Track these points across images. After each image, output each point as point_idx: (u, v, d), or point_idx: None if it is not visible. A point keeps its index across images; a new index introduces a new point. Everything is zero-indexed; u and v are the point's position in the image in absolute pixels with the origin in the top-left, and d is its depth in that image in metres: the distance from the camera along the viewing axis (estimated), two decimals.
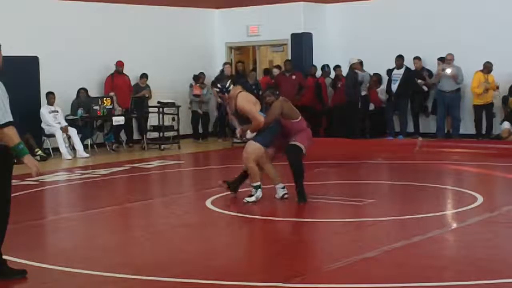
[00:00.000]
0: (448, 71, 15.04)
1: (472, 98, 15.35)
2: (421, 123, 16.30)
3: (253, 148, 8.70)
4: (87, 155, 14.24)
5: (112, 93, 15.43)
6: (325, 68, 16.82)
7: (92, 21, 15.96)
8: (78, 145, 14.30)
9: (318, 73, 17.12)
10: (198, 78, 16.90)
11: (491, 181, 11.00)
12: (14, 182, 9.80)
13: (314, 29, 17.44)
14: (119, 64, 15.85)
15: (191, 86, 16.88)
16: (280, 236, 7.24)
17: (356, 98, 15.85)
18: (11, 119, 5.47)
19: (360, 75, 15.90)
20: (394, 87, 15.76)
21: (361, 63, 15.99)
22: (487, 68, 14.88)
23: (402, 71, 15.74)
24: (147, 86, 16.30)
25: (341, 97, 16.18)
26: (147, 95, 16.24)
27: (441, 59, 15.58)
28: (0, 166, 5.59)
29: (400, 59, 15.76)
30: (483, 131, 15.22)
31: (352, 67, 15.78)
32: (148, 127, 16.23)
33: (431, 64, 15.93)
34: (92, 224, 8.16)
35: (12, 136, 5.46)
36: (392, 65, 15.90)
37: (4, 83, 5.68)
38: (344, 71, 16.26)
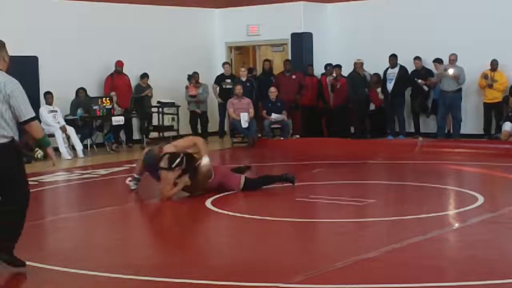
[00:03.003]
0: (451, 71, 15.03)
1: (475, 97, 15.42)
2: (422, 123, 16.30)
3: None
4: (82, 155, 14.21)
5: (113, 93, 15.42)
6: (327, 67, 16.82)
7: (92, 21, 15.95)
8: (78, 145, 14.29)
9: (317, 72, 17.10)
10: (192, 78, 16.81)
11: (492, 181, 10.99)
12: None
13: (314, 29, 17.44)
14: (119, 64, 15.85)
15: (186, 87, 16.83)
16: (280, 236, 7.23)
17: (356, 98, 15.89)
18: (34, 114, 5.91)
19: (367, 74, 15.99)
20: (390, 86, 15.78)
21: (361, 63, 16.04)
22: (492, 65, 14.94)
23: (396, 70, 15.75)
24: (149, 85, 16.30)
25: (341, 98, 16.20)
26: (149, 95, 16.24)
27: (438, 61, 15.58)
28: (15, 160, 5.82)
29: (393, 58, 15.75)
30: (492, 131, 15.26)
31: (354, 68, 15.89)
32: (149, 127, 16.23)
33: (431, 64, 15.92)
34: (92, 224, 8.14)
35: (38, 129, 6.00)
36: None
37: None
38: (347, 71, 16.27)
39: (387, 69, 15.92)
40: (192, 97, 16.69)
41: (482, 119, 15.47)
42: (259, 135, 16.11)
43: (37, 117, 6.01)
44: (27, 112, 5.79)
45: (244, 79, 16.65)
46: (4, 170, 5.72)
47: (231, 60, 18.59)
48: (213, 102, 17.41)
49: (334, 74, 16.48)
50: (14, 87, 5.74)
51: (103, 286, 5.57)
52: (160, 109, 15.80)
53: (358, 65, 16.02)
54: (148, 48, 16.94)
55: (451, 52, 15.21)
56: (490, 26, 15.36)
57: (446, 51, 15.32)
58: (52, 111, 14.45)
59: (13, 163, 5.79)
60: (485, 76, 15.08)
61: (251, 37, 18.16)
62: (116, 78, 15.86)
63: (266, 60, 17.80)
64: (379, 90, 16.44)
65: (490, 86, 14.99)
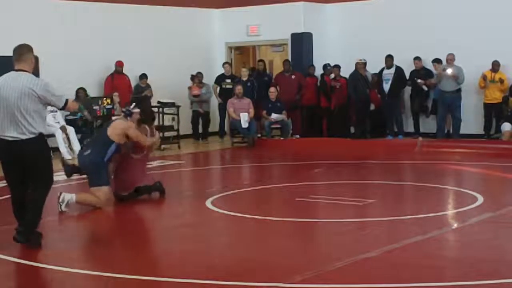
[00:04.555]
0: (449, 71, 15.05)
1: (475, 97, 15.46)
2: (421, 123, 16.30)
3: (104, 194, 8.48)
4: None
5: (116, 94, 15.38)
6: (327, 67, 16.82)
7: (92, 21, 15.96)
8: (76, 145, 14.28)
9: (317, 72, 17.10)
10: (195, 78, 16.81)
11: (491, 181, 10.99)
12: None
13: (314, 29, 17.44)
14: (119, 64, 15.86)
15: (189, 87, 16.82)
16: (280, 236, 7.23)
17: (357, 98, 15.90)
18: (65, 98, 6.60)
19: (369, 75, 16.00)
20: (386, 87, 15.78)
21: (364, 63, 16.02)
22: (493, 66, 14.98)
23: (392, 70, 15.76)
24: (148, 86, 16.30)
25: (341, 98, 16.20)
26: (149, 95, 16.24)
27: (437, 61, 15.59)
28: (45, 152, 6.54)
29: (389, 58, 15.77)
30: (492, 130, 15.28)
31: (356, 68, 15.93)
32: None
33: (431, 64, 15.92)
34: (92, 224, 8.15)
35: (74, 106, 7.10)
36: None
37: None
38: (347, 71, 16.30)
39: (382, 69, 15.93)
40: (195, 97, 16.68)
41: (481, 119, 15.48)
42: (259, 135, 16.12)
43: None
44: (59, 100, 6.50)
45: (245, 79, 16.66)
46: (32, 161, 6.40)
47: (231, 60, 18.59)
48: (213, 102, 17.40)
49: (333, 75, 16.48)
50: (41, 86, 6.36)
51: (103, 286, 5.57)
52: (160, 109, 15.79)
53: (360, 65, 16.01)
54: (148, 48, 16.95)
55: (451, 52, 15.22)
56: (490, 26, 15.36)
57: (446, 51, 15.33)
58: (52, 111, 14.43)
59: (40, 155, 6.46)
60: (484, 77, 15.10)
61: (251, 37, 18.16)
62: (116, 78, 15.88)
63: (260, 60, 17.83)
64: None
65: (502, 81, 14.93)
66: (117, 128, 8.63)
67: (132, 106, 8.92)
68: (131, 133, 8.61)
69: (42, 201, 6.55)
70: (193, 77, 16.80)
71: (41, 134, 6.44)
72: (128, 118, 8.77)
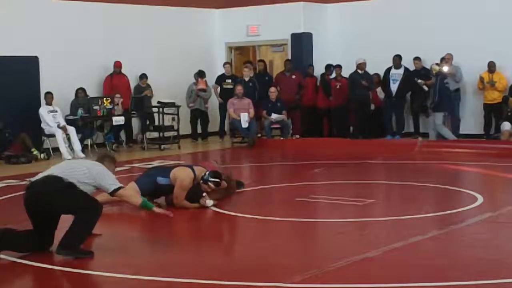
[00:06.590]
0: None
1: (474, 97, 15.48)
2: (421, 123, 16.30)
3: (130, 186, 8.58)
4: (83, 155, 14.21)
5: (118, 95, 15.38)
6: (330, 67, 16.80)
7: (92, 21, 15.96)
8: (76, 145, 14.28)
9: (317, 72, 17.09)
10: (203, 74, 16.77)
11: (491, 181, 11.00)
12: (13, 182, 9.78)
13: (314, 29, 17.45)
14: (117, 65, 15.85)
15: (195, 82, 16.75)
16: (280, 236, 7.24)
17: (356, 98, 15.90)
18: (121, 185, 6.39)
19: (366, 75, 16.00)
20: (394, 87, 15.78)
21: (365, 64, 16.02)
22: (489, 67, 14.98)
23: (401, 71, 15.77)
24: (148, 85, 16.31)
25: (341, 98, 16.19)
26: (149, 95, 16.24)
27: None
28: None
29: (397, 58, 15.78)
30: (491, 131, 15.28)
31: (357, 68, 15.93)
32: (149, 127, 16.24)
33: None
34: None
35: (132, 197, 6.66)
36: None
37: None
38: (347, 71, 16.29)
39: (389, 69, 15.92)
40: (202, 91, 16.61)
41: (481, 119, 15.49)
42: (259, 135, 16.13)
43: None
44: (112, 182, 6.39)
45: (247, 79, 16.65)
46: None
47: (231, 60, 18.60)
48: (213, 102, 17.41)
49: (334, 74, 16.49)
50: (98, 169, 6.38)
51: (103, 286, 5.58)
52: (160, 109, 15.80)
53: (362, 66, 16.00)
54: (148, 48, 16.95)
55: (450, 52, 15.22)
56: (490, 27, 15.38)
57: (445, 51, 15.32)
58: (51, 111, 14.45)
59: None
60: (481, 79, 15.10)
61: (251, 37, 18.17)
62: (115, 78, 15.88)
63: (260, 60, 17.82)
64: (379, 90, 16.46)
65: (493, 84, 14.97)
66: (179, 175, 8.47)
67: (214, 179, 8.43)
68: (179, 184, 8.42)
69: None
70: (201, 73, 16.71)
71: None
72: (201, 181, 8.44)
